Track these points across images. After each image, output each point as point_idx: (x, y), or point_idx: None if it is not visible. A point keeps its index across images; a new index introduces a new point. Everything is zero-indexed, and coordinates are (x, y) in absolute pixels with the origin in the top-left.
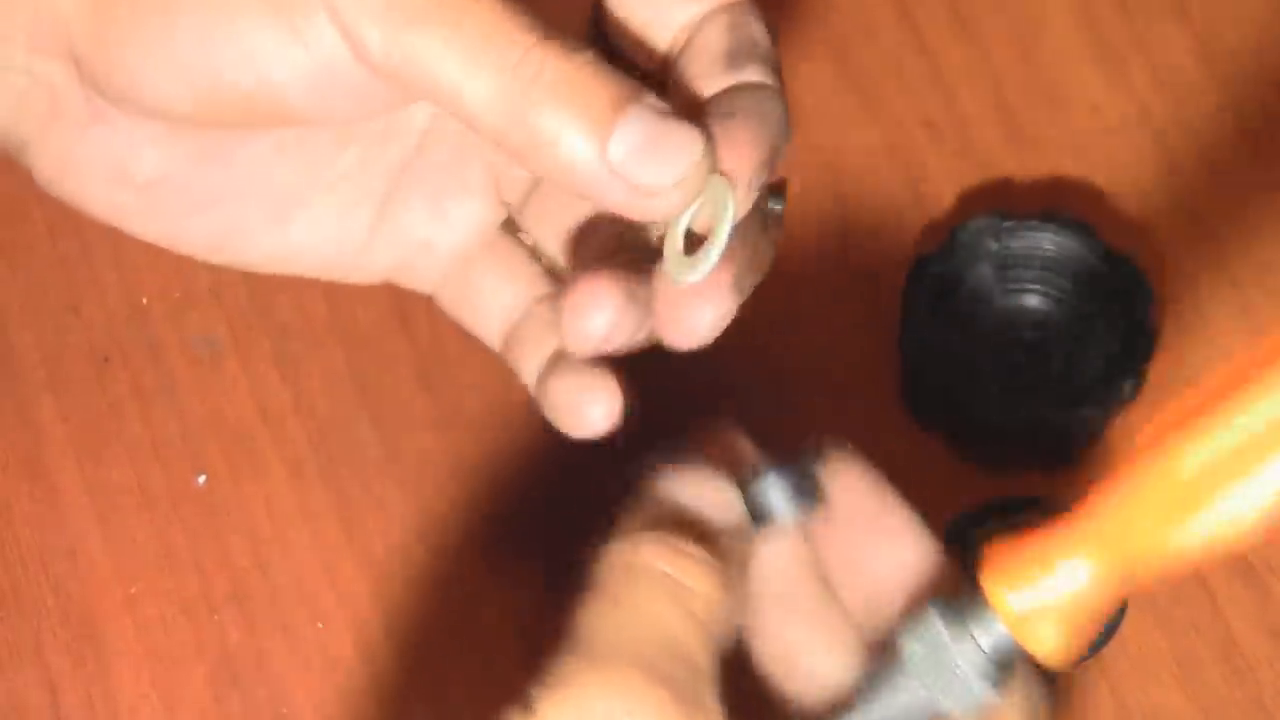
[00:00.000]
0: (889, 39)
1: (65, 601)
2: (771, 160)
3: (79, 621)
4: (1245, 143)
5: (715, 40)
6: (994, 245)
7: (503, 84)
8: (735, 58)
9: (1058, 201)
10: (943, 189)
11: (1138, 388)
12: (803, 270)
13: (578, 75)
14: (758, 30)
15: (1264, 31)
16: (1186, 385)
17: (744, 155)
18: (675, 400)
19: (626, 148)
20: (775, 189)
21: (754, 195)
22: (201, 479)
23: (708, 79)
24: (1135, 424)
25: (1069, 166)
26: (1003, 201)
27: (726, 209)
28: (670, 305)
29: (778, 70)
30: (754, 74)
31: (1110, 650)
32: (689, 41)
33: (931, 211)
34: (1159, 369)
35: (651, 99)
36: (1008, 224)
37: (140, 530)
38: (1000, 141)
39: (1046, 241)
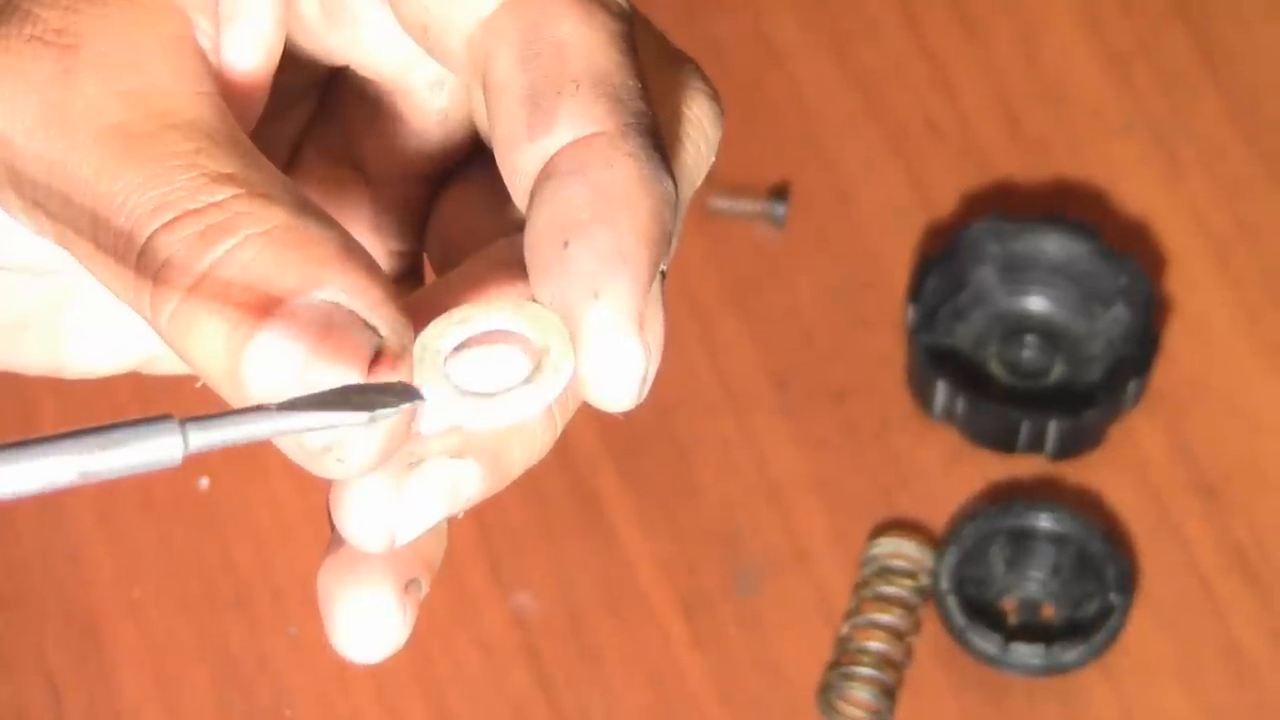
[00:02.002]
0: (892, 39)
1: (68, 604)
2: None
3: (82, 624)
4: (1247, 144)
5: (507, 71)
6: (997, 247)
7: (124, 284)
8: (540, 102)
9: (1060, 202)
10: (945, 190)
11: (1141, 389)
12: (806, 271)
13: (206, 281)
14: (575, 25)
15: (1265, 33)
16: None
17: (575, 294)
18: (677, 402)
19: (264, 385)
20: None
21: (611, 348)
22: (204, 482)
23: (515, 151)
24: (1138, 424)
25: (1071, 168)
26: (1005, 202)
27: (559, 365)
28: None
29: (635, 73)
30: (575, 122)
31: (1113, 653)
32: (485, 79)
33: (934, 212)
34: (1162, 370)
35: (327, 290)
36: (1011, 226)
37: (143, 533)
38: (1003, 142)
39: (1049, 244)
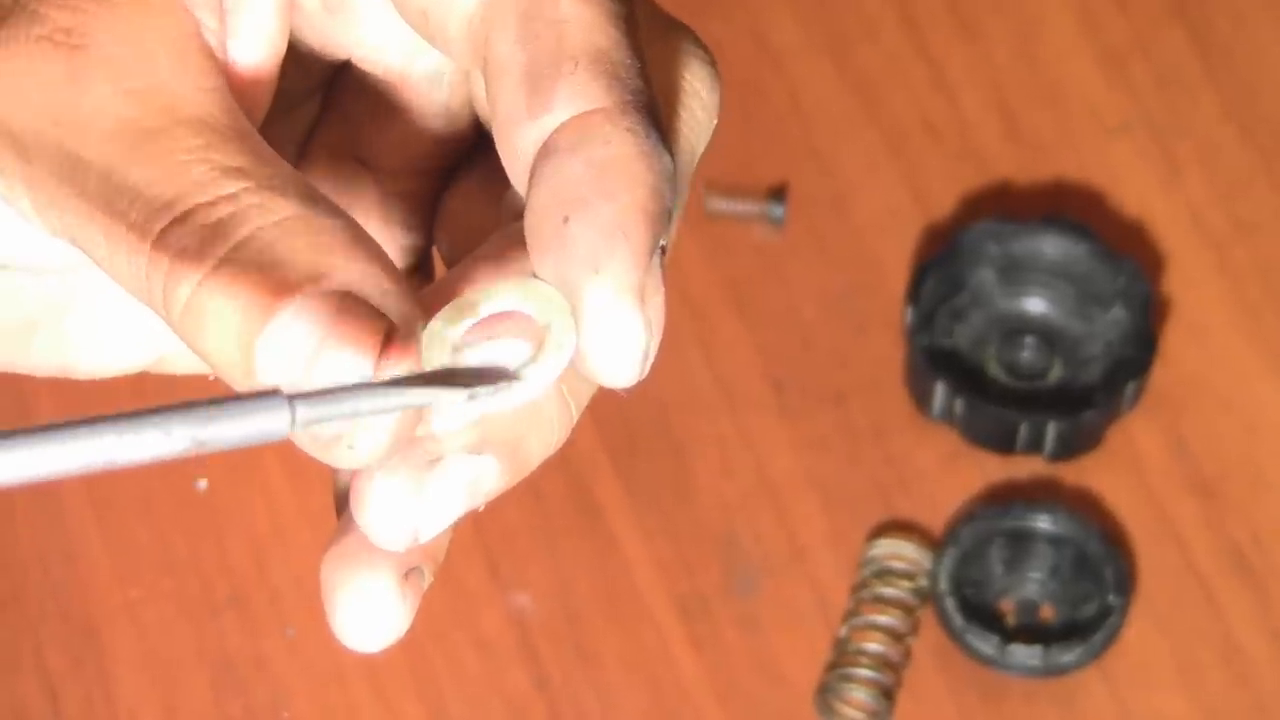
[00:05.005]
0: (890, 40)
1: (65, 605)
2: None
3: (79, 625)
4: (1244, 143)
5: (506, 51)
6: (995, 249)
7: (136, 278)
8: (539, 81)
9: (1058, 203)
10: (943, 191)
11: (1139, 390)
12: (804, 272)
13: (219, 269)
14: (574, 5)
15: (1263, 31)
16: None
17: (576, 267)
18: (674, 403)
19: (276, 368)
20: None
21: (609, 323)
22: (202, 483)
23: (514, 131)
24: (1136, 425)
25: (1069, 168)
26: (1003, 204)
27: (561, 342)
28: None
29: (633, 51)
30: (573, 100)
31: (1111, 654)
32: (485, 61)
33: (932, 214)
34: (1160, 371)
35: (335, 280)
36: (1009, 228)
37: (140, 534)
38: (1001, 143)
39: (1047, 245)
